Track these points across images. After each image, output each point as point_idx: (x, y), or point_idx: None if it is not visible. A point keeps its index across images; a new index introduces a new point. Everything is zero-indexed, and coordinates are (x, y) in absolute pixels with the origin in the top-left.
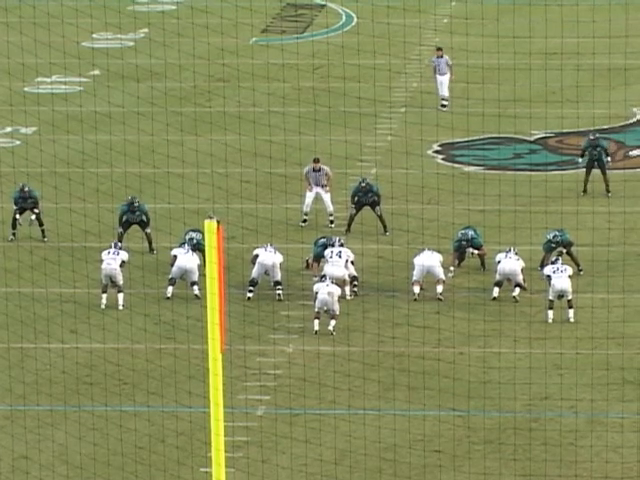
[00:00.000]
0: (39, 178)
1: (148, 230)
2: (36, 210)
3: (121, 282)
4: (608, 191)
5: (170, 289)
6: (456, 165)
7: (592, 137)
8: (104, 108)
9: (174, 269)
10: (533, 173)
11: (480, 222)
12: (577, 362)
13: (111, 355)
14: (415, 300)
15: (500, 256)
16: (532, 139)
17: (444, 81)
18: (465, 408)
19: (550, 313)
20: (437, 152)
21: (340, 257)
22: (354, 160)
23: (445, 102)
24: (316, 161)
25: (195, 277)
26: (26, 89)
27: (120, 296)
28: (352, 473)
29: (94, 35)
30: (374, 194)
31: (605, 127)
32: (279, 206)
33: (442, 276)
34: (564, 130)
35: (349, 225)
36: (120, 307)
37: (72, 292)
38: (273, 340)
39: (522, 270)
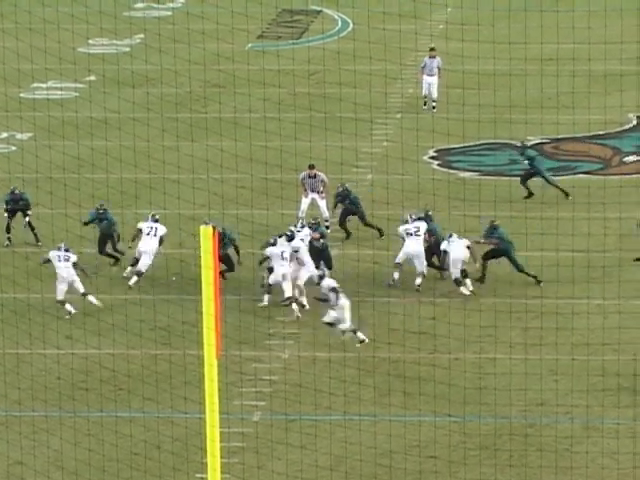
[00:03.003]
0: (35, 184)
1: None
2: (29, 212)
3: (81, 285)
4: (567, 195)
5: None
6: (452, 171)
7: (519, 145)
8: (100, 114)
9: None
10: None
11: (476, 228)
12: (573, 368)
13: (106, 361)
14: (389, 286)
15: (444, 245)
16: (528, 145)
17: (432, 82)
18: (461, 414)
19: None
20: (433, 158)
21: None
22: (350, 166)
23: (434, 103)
24: (311, 167)
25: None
26: (22, 95)
27: (91, 298)
28: (348, 479)
29: (90, 41)
30: (351, 201)
31: (601, 133)
32: (275, 212)
33: (423, 269)
34: (560, 136)
35: (346, 232)
36: (96, 303)
37: (68, 298)
38: (269, 346)
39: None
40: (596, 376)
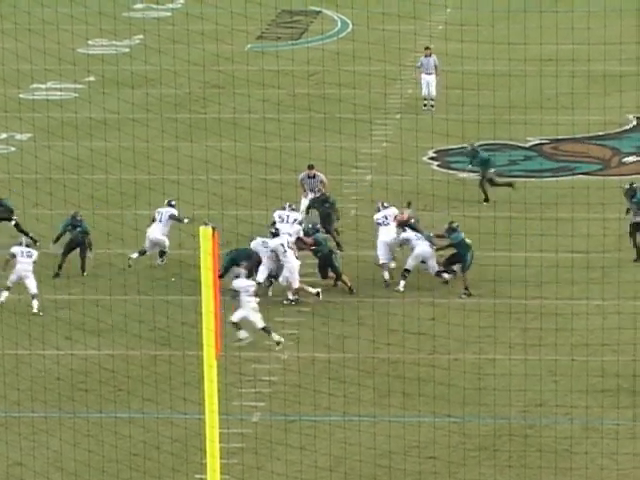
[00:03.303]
0: (34, 184)
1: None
2: (14, 217)
3: (34, 285)
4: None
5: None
6: (451, 171)
7: (469, 148)
8: (99, 114)
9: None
10: (528, 180)
11: (475, 228)
12: (572, 369)
13: (106, 362)
14: (387, 286)
15: (409, 236)
16: (527, 145)
17: (431, 81)
18: (460, 414)
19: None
20: (432, 158)
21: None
22: (349, 167)
23: (432, 102)
24: (310, 167)
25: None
26: (21, 95)
27: (35, 302)
28: None
29: (89, 41)
30: (331, 205)
31: (600, 133)
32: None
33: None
34: (559, 137)
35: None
36: (36, 311)
37: (67, 299)
38: (268, 347)
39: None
40: (595, 377)
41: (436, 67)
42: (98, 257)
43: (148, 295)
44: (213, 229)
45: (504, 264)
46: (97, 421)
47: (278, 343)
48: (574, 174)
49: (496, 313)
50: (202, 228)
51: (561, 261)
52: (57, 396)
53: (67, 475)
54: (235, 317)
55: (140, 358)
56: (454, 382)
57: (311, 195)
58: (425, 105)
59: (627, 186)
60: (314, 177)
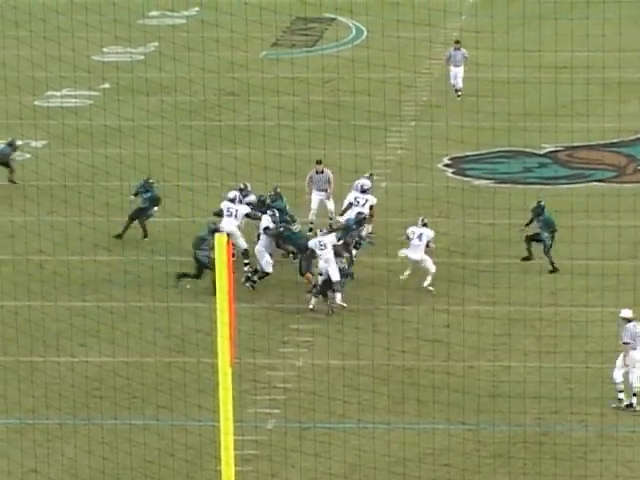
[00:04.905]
0: (49, 191)
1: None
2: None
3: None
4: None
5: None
6: (466, 179)
7: (146, 181)
8: (114, 122)
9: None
10: (543, 187)
11: (490, 235)
12: (587, 376)
13: (120, 369)
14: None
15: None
16: (542, 153)
17: (459, 73)
18: (475, 422)
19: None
20: (447, 166)
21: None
22: (364, 174)
23: (459, 93)
24: (319, 162)
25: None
26: (36, 103)
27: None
28: None
29: (104, 49)
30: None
31: (615, 141)
32: None
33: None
34: (574, 144)
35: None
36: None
37: (82, 306)
38: (283, 354)
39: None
40: (610, 384)
41: (465, 59)
42: (112, 264)
43: (162, 302)
44: (228, 236)
45: (518, 271)
46: (112, 428)
47: None
48: (589, 181)
49: (511, 320)
50: (217, 236)
51: (576, 268)
52: (72, 403)
53: None
54: None
55: (155, 365)
56: (469, 389)
57: (319, 195)
58: (456, 92)
59: (535, 204)
60: (322, 172)
